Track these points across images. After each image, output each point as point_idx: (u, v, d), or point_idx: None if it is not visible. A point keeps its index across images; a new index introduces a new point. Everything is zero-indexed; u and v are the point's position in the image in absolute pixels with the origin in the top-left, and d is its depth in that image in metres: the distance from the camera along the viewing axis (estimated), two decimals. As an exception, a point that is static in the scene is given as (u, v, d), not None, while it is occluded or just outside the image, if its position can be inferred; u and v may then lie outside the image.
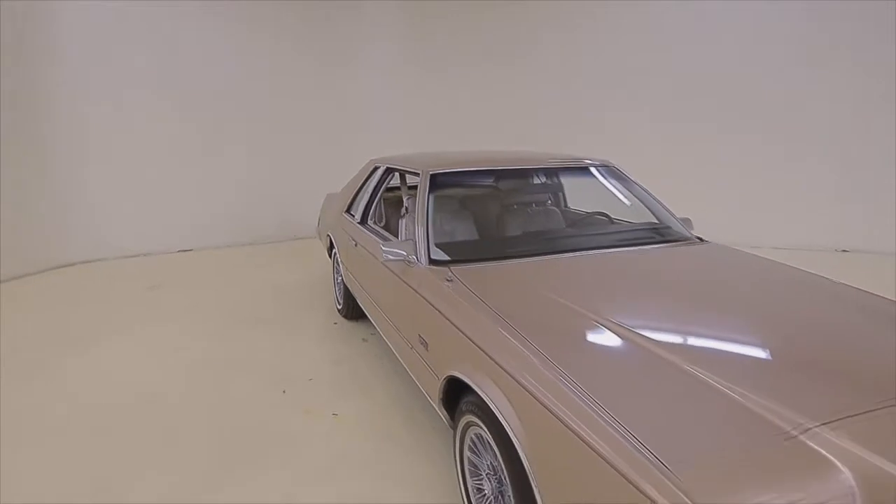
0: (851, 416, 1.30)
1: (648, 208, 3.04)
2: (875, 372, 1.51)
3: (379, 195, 3.56)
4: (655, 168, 6.87)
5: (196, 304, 4.66)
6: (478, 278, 2.20)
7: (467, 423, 1.92)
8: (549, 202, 3.25)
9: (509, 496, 1.67)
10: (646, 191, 3.14)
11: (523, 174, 3.17)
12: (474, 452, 1.95)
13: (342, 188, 4.48)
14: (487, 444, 1.80)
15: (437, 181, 2.78)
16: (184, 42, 6.37)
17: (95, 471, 2.42)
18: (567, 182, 3.38)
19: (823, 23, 6.25)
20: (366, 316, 3.67)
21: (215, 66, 6.57)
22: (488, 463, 1.84)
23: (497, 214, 3.01)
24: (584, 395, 1.42)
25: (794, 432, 1.26)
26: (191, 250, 6.67)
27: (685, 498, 1.11)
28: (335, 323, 4.20)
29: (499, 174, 3.12)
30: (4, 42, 5.14)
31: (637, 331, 1.71)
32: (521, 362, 1.63)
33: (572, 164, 3.18)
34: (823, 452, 1.21)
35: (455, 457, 2.09)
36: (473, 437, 1.92)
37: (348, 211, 3.97)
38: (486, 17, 7.31)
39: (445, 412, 2.12)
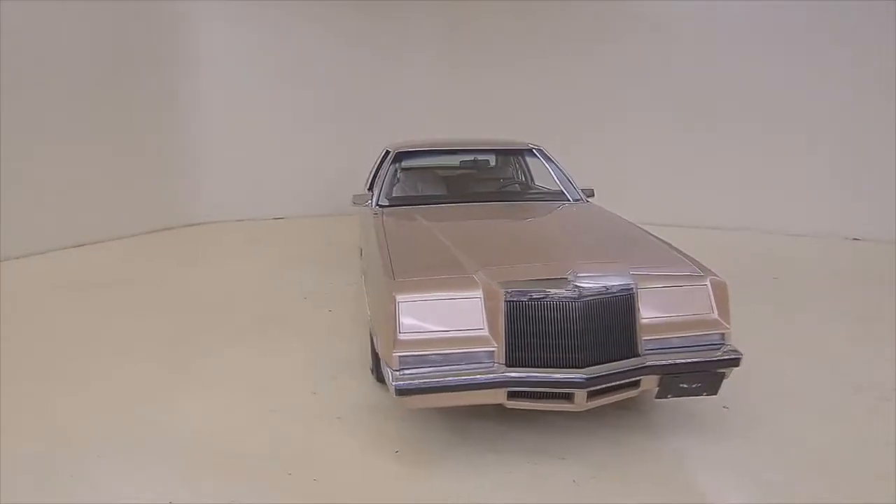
0: (497, 266, 2.48)
1: (555, 177, 4.16)
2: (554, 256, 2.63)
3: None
4: (677, 161, 7.63)
5: (274, 252, 6.44)
6: (392, 213, 3.57)
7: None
8: (483, 172, 4.45)
9: None
10: (558, 166, 4.24)
11: (464, 153, 4.42)
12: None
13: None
14: None
15: (397, 156, 4.15)
16: (289, 43, 8.28)
17: (202, 322, 4.14)
18: (504, 159, 4.58)
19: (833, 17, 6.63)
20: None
21: (309, 66, 8.43)
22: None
23: (435, 177, 4.31)
24: (389, 251, 2.74)
25: (469, 270, 2.48)
26: (283, 218, 8.60)
27: (399, 288, 2.39)
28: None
29: (446, 152, 4.41)
30: (150, 39, 7.29)
31: (440, 231, 3.00)
32: (377, 240, 3.00)
33: (508, 147, 4.40)
34: (475, 278, 2.42)
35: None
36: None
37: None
38: (513, 24, 8.45)
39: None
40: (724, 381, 2.46)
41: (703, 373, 2.40)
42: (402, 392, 2.22)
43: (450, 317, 2.36)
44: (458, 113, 8.94)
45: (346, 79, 8.70)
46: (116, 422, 2.79)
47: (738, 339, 3.73)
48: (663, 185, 7.66)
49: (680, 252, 2.83)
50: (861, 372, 3.34)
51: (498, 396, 2.30)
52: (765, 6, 6.96)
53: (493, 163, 4.52)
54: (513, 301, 2.29)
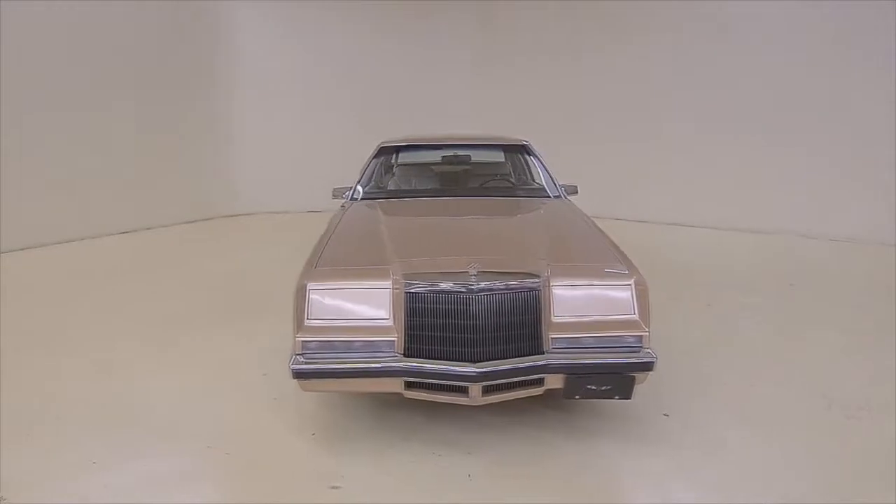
0: (411, 258, 2.50)
1: (538, 173, 4.10)
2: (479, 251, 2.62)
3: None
4: (704, 162, 7.27)
5: (294, 243, 6.70)
6: (359, 205, 3.67)
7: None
8: (463, 167, 4.42)
9: None
10: (541, 162, 4.16)
11: (447, 148, 4.42)
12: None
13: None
14: None
15: (380, 150, 4.24)
16: (328, 40, 8.61)
17: (198, 306, 4.44)
18: (488, 155, 4.54)
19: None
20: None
21: (350, 64, 8.72)
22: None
23: (413, 172, 4.34)
24: (327, 242, 2.84)
25: (387, 261, 2.51)
26: (317, 211, 8.93)
27: (312, 275, 2.47)
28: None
29: (429, 147, 4.43)
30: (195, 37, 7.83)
31: (389, 224, 3.05)
32: (325, 231, 3.09)
33: (493, 143, 4.38)
34: (389, 269, 2.46)
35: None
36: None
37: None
38: (542, 25, 8.31)
39: None
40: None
41: (611, 375, 2.31)
42: (298, 375, 2.31)
43: (359, 306, 2.41)
44: (492, 110, 8.93)
45: (385, 77, 8.90)
46: (85, 389, 3.07)
47: (724, 346, 3.61)
48: (690, 185, 7.36)
49: (618, 252, 2.72)
50: (841, 387, 3.08)
51: (395, 386, 2.33)
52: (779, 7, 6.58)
53: (475, 158, 4.50)
54: (411, 292, 2.32)
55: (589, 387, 2.33)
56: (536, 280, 2.34)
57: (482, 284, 2.28)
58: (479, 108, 8.76)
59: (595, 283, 2.45)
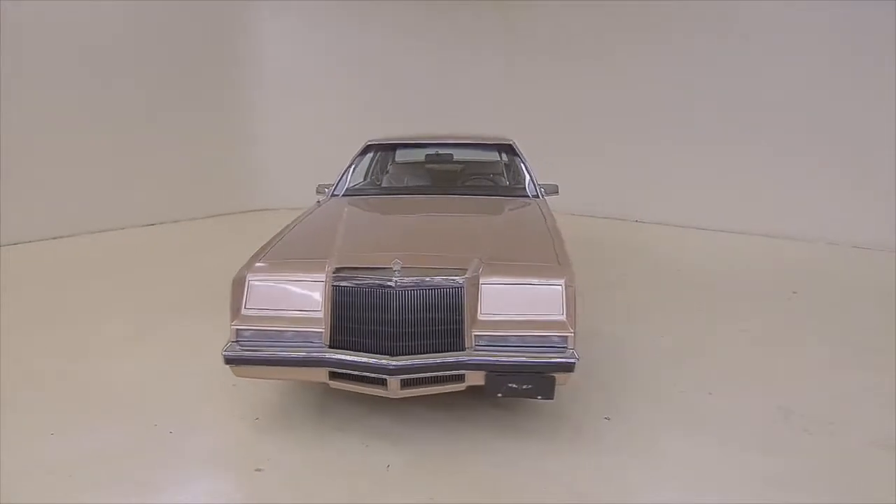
0: (346, 253, 2.57)
1: (520, 172, 4.10)
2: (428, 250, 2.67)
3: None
4: (718, 166, 7.03)
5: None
6: (333, 202, 3.77)
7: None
8: (446, 165, 4.45)
9: None
10: (524, 162, 4.16)
11: (432, 147, 4.46)
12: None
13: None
14: None
15: (366, 148, 4.33)
16: (347, 40, 8.84)
17: (192, 298, 4.68)
18: (478, 154, 4.55)
19: None
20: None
21: (369, 63, 8.90)
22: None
23: (398, 170, 4.41)
24: (283, 236, 2.96)
25: (328, 255, 2.59)
26: (336, 208, 9.18)
27: (253, 268, 2.58)
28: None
29: (415, 146, 4.49)
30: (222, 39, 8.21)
31: (350, 219, 3.14)
32: (290, 225, 3.21)
33: (477, 142, 4.40)
34: (324, 262, 2.53)
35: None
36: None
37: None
38: (563, 26, 8.23)
39: None
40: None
41: (532, 374, 2.31)
42: (228, 361, 2.42)
43: (294, 298, 2.50)
44: (512, 109, 8.90)
45: (406, 76, 9.04)
46: (60, 369, 3.29)
47: (698, 353, 3.51)
48: (697, 187, 7.15)
49: (562, 254, 2.69)
50: (810, 400, 2.95)
51: (320, 375, 2.41)
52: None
53: (459, 157, 4.52)
54: (337, 286, 2.39)
55: (510, 385, 2.34)
56: (461, 277, 2.37)
57: (404, 280, 2.33)
58: (502, 107, 8.72)
59: (525, 282, 2.45)
